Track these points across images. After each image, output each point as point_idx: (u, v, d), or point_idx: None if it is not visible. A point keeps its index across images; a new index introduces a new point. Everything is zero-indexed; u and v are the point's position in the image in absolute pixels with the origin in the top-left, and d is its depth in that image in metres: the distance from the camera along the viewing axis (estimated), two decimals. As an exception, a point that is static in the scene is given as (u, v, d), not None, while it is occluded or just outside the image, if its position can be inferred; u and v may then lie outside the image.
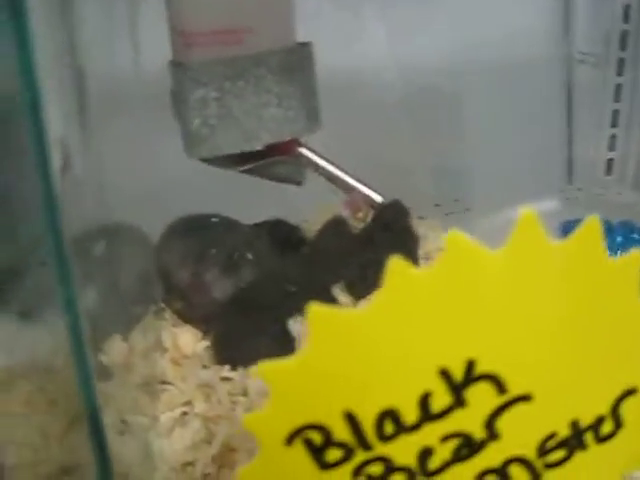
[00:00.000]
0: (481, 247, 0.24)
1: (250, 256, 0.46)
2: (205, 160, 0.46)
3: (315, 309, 0.24)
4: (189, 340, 0.45)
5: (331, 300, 0.45)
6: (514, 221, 0.25)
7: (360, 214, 0.50)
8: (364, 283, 0.46)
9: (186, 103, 0.44)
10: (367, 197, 0.51)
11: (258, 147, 0.46)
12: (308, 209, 0.53)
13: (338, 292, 0.46)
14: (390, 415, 0.26)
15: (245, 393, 0.41)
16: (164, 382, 0.41)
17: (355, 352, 0.25)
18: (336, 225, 0.48)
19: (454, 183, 0.62)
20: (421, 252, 0.51)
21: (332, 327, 0.25)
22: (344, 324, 0.25)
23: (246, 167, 0.47)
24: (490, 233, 0.27)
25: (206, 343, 0.44)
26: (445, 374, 0.25)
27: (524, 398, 0.26)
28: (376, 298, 0.24)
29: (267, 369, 0.25)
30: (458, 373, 0.26)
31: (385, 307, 0.25)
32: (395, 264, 0.24)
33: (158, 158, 0.49)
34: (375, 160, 0.55)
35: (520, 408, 0.26)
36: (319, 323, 0.24)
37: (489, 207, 0.56)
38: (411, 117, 0.58)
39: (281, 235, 0.50)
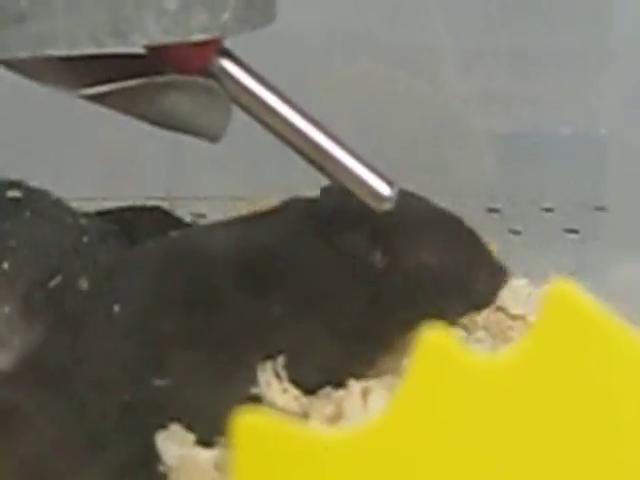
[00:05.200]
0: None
1: (84, 283, 0.26)
2: (9, 65, 0.26)
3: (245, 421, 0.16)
4: None
5: (246, 382, 0.27)
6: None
7: None
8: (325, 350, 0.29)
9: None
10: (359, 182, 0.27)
11: (119, 48, 0.24)
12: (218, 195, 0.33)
13: (267, 370, 0.28)
14: None
15: None
16: None
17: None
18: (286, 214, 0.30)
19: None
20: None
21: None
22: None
23: (98, 89, 0.25)
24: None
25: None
26: None
27: None
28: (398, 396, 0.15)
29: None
30: None
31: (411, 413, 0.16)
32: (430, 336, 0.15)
33: None
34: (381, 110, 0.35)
35: None
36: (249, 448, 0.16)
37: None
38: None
39: (154, 235, 0.29)
